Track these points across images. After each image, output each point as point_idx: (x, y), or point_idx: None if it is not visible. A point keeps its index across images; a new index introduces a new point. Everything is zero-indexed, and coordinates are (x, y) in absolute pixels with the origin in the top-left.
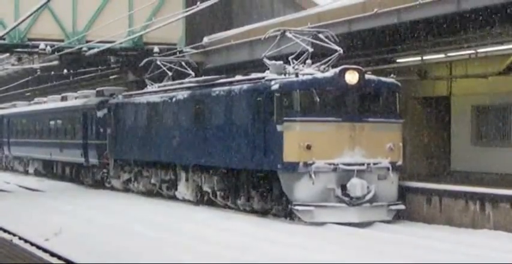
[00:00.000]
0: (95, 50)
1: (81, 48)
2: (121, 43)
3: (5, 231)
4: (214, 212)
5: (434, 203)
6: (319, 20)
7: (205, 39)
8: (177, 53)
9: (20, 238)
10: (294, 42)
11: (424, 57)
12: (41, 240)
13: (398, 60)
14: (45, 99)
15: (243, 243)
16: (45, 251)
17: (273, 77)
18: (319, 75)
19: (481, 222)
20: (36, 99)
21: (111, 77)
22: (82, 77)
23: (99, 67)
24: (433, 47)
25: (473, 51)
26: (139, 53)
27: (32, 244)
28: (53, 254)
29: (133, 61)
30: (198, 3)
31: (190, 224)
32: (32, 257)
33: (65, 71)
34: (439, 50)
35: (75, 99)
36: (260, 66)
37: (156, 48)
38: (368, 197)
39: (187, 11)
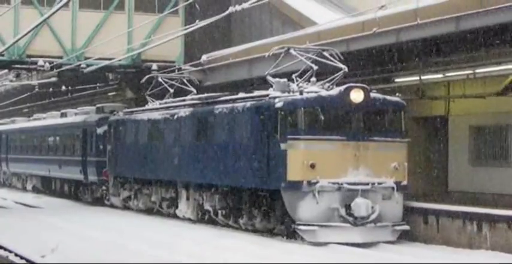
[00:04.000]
0: (94, 67)
1: (79, 65)
2: (120, 60)
3: (1, 247)
4: (214, 230)
5: (431, 223)
6: (319, 38)
7: (204, 57)
8: (176, 70)
9: (16, 255)
10: (298, 60)
11: (422, 77)
12: (37, 257)
13: (396, 80)
14: (44, 115)
15: (240, 261)
16: None
17: (277, 95)
18: (324, 93)
19: (478, 243)
20: (35, 116)
21: (109, 94)
22: (80, 93)
23: (98, 84)
24: (431, 67)
25: (471, 72)
26: (137, 70)
27: (28, 261)
28: None
29: (132, 78)
30: (197, 21)
31: (189, 242)
32: None
33: (64, 87)
34: (437, 69)
35: (75, 116)
36: (259, 84)
37: (154, 66)
38: (372, 217)
39: (186, 29)
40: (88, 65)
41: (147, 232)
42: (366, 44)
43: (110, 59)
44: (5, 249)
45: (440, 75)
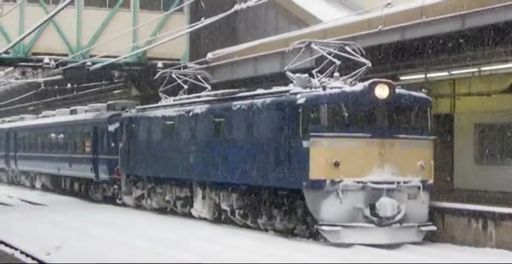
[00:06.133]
0: (99, 65)
1: (85, 62)
2: (125, 58)
3: (6, 245)
4: (223, 228)
5: (436, 221)
6: (324, 36)
7: (209, 55)
8: (181, 68)
9: (22, 252)
10: (320, 55)
11: (428, 75)
12: (42, 254)
13: (401, 78)
14: (53, 112)
15: (251, 260)
16: None
17: (298, 91)
18: (348, 88)
19: (484, 241)
20: (43, 113)
21: (114, 92)
22: (86, 91)
23: (103, 82)
24: (437, 65)
25: (476, 69)
26: (143, 68)
27: (34, 258)
28: None
29: (137, 76)
30: (203, 19)
31: (198, 240)
32: None
33: (69, 85)
34: (443, 67)
35: (85, 113)
36: (264, 82)
37: (159, 64)
38: (398, 218)
39: (191, 27)
40: (93, 63)
41: (155, 230)
42: (371, 41)
43: (115, 57)
44: (11, 247)
45: (445, 73)
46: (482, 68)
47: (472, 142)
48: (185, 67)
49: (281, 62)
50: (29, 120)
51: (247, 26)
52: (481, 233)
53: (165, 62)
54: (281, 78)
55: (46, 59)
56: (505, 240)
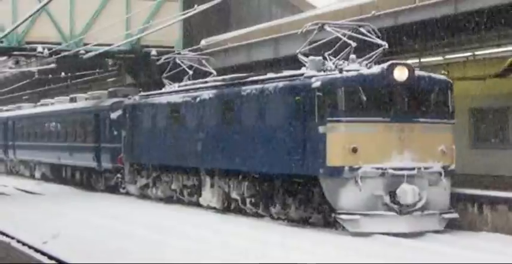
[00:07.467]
0: (93, 53)
1: (78, 51)
2: (118, 46)
3: (3, 234)
4: (230, 217)
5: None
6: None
7: (203, 42)
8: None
9: (18, 241)
10: (334, 36)
11: (422, 60)
12: (39, 243)
13: None
14: (52, 100)
15: (253, 248)
16: (43, 253)
17: (313, 74)
18: (365, 71)
19: (479, 225)
20: (42, 101)
21: (108, 80)
22: (80, 80)
23: (97, 70)
24: (431, 50)
25: (470, 54)
26: (137, 55)
27: (30, 247)
28: (51, 257)
29: (131, 64)
30: (196, 6)
31: (198, 227)
32: (30, 260)
33: (63, 74)
34: (437, 52)
35: (85, 101)
36: (258, 70)
37: (153, 51)
38: (419, 205)
39: (184, 14)
40: (87, 51)
41: (157, 219)
42: None
43: (108, 45)
44: (7, 236)
45: (440, 58)
46: (476, 53)
47: (466, 126)
48: (179, 54)
49: (274, 48)
50: (27, 109)
51: (241, 13)
52: (477, 218)
53: (159, 49)
54: (275, 65)
55: (39, 48)
56: (501, 224)
